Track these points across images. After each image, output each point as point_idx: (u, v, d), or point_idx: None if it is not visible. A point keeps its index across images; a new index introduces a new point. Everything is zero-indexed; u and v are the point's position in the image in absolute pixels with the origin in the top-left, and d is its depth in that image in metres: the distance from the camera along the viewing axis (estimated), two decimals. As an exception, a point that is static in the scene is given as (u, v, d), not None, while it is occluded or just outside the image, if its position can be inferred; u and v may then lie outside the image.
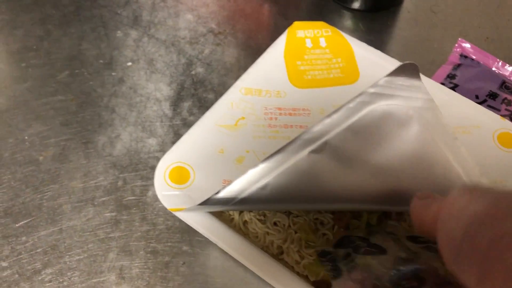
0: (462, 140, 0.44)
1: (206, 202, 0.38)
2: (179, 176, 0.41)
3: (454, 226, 0.21)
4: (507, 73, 0.64)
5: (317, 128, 0.37)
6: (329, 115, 0.37)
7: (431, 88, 0.48)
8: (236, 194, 0.37)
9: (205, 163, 0.42)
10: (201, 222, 0.40)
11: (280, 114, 0.45)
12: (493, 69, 0.65)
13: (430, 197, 0.29)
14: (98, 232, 0.51)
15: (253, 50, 0.66)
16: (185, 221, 0.40)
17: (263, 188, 0.37)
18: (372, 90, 0.37)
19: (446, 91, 0.48)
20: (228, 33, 0.68)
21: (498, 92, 0.62)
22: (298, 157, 0.37)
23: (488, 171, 0.42)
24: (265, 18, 0.71)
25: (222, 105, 0.46)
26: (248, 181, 0.37)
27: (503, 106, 0.60)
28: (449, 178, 0.38)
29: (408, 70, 0.37)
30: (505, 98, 0.61)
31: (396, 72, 0.37)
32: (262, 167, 0.37)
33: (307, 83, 0.48)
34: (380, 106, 0.37)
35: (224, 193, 0.37)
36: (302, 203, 0.38)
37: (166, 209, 0.52)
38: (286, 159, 0.37)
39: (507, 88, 0.62)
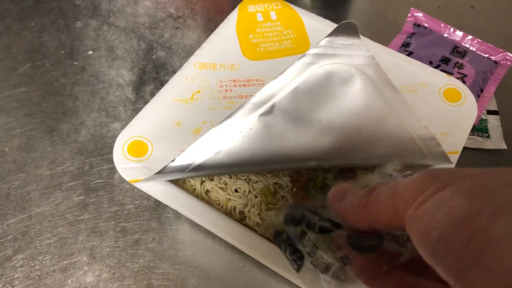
0: (409, 98, 0.46)
1: (162, 171, 0.39)
2: (137, 149, 0.42)
3: (427, 223, 0.20)
4: (458, 38, 0.66)
5: (265, 91, 0.38)
6: (275, 78, 0.38)
7: (379, 51, 0.50)
8: (191, 161, 0.39)
9: (163, 136, 0.43)
10: (162, 192, 0.41)
11: (235, 85, 0.47)
12: (445, 35, 0.67)
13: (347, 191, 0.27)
14: (67, 216, 0.52)
15: (212, 32, 0.67)
16: (146, 191, 0.42)
17: (218, 152, 0.39)
18: (314, 51, 0.38)
19: (394, 54, 0.50)
20: (187, 16, 0.69)
21: (450, 56, 0.64)
22: (249, 121, 0.38)
23: (434, 125, 0.44)
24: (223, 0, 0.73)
25: (178, 81, 0.47)
26: (201, 147, 0.38)
27: (456, 70, 0.62)
28: (395, 130, 0.39)
29: (347, 29, 0.38)
30: (457, 62, 0.63)
31: (336, 32, 0.38)
32: (214, 132, 0.38)
33: (260, 55, 0.49)
34: (323, 66, 0.38)
35: (179, 161, 0.38)
36: (256, 164, 0.40)
37: (134, 189, 0.54)
38: (238, 123, 0.38)
39: (458, 52, 0.65)
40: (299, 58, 0.38)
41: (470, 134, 0.59)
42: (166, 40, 0.66)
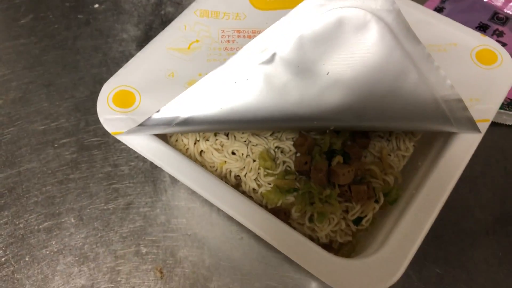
0: (436, 58, 0.40)
1: (146, 122, 0.35)
2: (124, 100, 0.38)
3: None
4: (499, 4, 0.59)
5: (265, 36, 0.33)
6: (278, 21, 0.33)
7: (401, 4, 0.44)
8: (178, 113, 0.34)
9: (153, 87, 0.39)
10: (149, 147, 0.37)
11: (238, 36, 0.42)
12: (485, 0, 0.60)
13: None
14: (58, 174, 0.49)
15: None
16: (129, 145, 0.37)
17: (208, 105, 0.34)
18: (324, -10, 0.33)
19: (420, 8, 0.44)
20: (201, -28, 0.64)
21: (489, 23, 0.57)
22: (246, 70, 0.34)
23: (463, 89, 0.38)
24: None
25: (175, 28, 0.42)
26: (190, 98, 0.34)
27: (494, 38, 0.56)
28: (415, 88, 0.34)
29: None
30: (497, 29, 0.56)
31: (352, -31, 0.33)
32: (205, 82, 0.34)
33: (270, 4, 0.44)
34: (334, 10, 0.33)
35: (164, 112, 0.34)
36: (252, 122, 0.35)
37: (129, 150, 0.50)
38: (232, 72, 0.34)
39: (498, 19, 0.58)
40: (307, -1, 0.33)
41: (507, 109, 0.52)
42: (177, -5, 0.62)
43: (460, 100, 0.34)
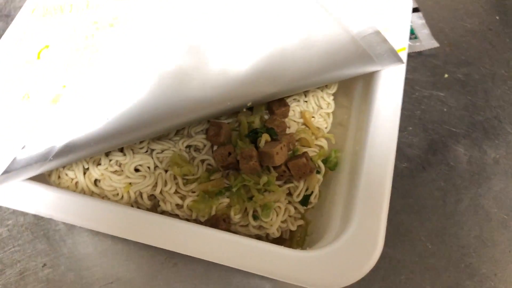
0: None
1: (12, 167, 0.25)
2: (-30, 146, 0.28)
3: None
4: None
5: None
6: None
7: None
8: (53, 142, 0.25)
9: (7, 119, 0.29)
10: (22, 198, 0.28)
11: (98, 29, 0.33)
12: None
13: None
14: None
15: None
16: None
17: (92, 119, 0.26)
18: None
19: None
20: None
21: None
22: (130, 65, 0.26)
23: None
24: None
25: (13, 38, 0.32)
26: (65, 117, 0.25)
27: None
28: (329, 33, 0.29)
29: None
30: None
31: None
32: (81, 91, 0.25)
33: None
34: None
35: (33, 147, 0.25)
36: (153, 124, 0.27)
37: (1, 207, 0.39)
38: (115, 74, 0.26)
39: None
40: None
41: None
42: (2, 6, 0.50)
43: (377, 33, 0.30)
